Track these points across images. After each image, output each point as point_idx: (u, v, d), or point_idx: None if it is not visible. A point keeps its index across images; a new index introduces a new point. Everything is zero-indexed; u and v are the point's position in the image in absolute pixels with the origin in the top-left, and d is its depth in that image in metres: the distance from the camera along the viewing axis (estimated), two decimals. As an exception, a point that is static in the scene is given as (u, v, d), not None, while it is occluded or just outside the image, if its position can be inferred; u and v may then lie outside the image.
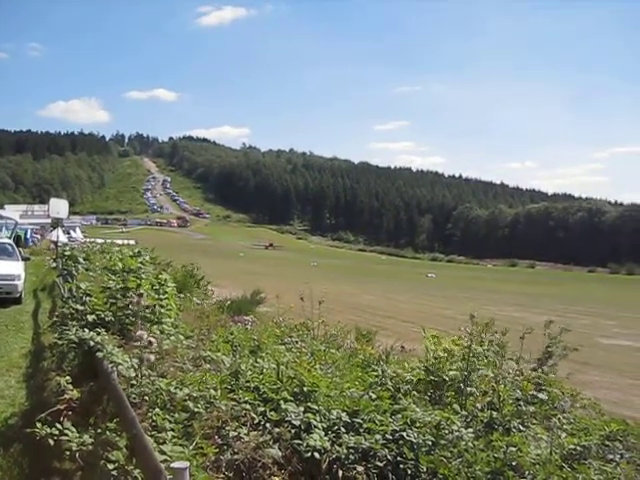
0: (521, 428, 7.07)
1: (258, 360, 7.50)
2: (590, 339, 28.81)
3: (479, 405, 7.63)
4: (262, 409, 6.03)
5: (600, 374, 22.94)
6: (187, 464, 4.19)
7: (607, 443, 7.25)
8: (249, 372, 6.97)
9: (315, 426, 5.80)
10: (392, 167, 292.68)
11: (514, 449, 5.91)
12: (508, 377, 8.27)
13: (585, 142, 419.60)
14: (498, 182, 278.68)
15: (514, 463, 5.75)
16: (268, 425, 5.81)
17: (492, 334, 8.64)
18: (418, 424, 6.02)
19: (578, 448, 6.65)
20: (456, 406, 7.51)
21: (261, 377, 6.81)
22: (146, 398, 5.88)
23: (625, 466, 6.44)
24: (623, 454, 7.13)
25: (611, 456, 6.97)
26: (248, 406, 6.03)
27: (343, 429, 5.87)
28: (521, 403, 7.66)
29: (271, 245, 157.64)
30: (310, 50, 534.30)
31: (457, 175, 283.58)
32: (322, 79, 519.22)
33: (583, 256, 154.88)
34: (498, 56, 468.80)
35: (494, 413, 7.28)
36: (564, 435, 7.27)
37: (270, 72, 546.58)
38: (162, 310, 8.36)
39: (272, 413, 5.96)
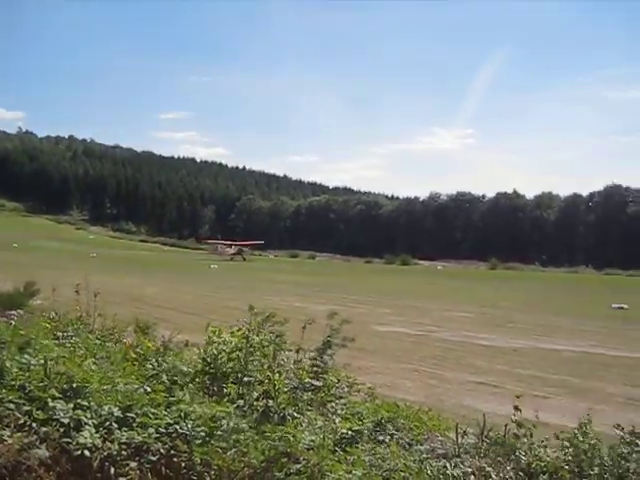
0: (296, 415, 7.23)
1: (25, 357, 7.09)
2: (367, 326, 30.12)
3: (255, 394, 7.71)
4: (27, 408, 5.70)
5: (375, 360, 23.93)
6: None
7: (378, 425, 7.64)
8: (15, 370, 6.57)
9: (86, 423, 5.57)
10: (176, 157, 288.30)
11: (288, 436, 6.01)
12: (285, 366, 8.41)
13: (364, 138, 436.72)
14: (281, 174, 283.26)
15: (288, 450, 5.85)
16: (34, 425, 5.51)
17: (272, 324, 8.74)
18: (193, 416, 5.98)
19: (351, 432, 6.91)
20: (233, 396, 7.56)
21: (27, 375, 6.43)
22: None
23: (394, 446, 6.78)
24: (393, 435, 7.55)
25: (382, 437, 7.35)
26: (12, 406, 5.68)
27: (115, 425, 5.67)
28: (297, 391, 7.83)
29: (239, 253, 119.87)
30: (96, 31, 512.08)
31: (241, 167, 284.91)
32: (107, 64, 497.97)
33: (362, 247, 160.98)
34: (288, 51, 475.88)
35: (270, 402, 7.39)
36: (338, 420, 7.54)
37: (47, 52, 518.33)
38: None
39: (38, 412, 5.65)
